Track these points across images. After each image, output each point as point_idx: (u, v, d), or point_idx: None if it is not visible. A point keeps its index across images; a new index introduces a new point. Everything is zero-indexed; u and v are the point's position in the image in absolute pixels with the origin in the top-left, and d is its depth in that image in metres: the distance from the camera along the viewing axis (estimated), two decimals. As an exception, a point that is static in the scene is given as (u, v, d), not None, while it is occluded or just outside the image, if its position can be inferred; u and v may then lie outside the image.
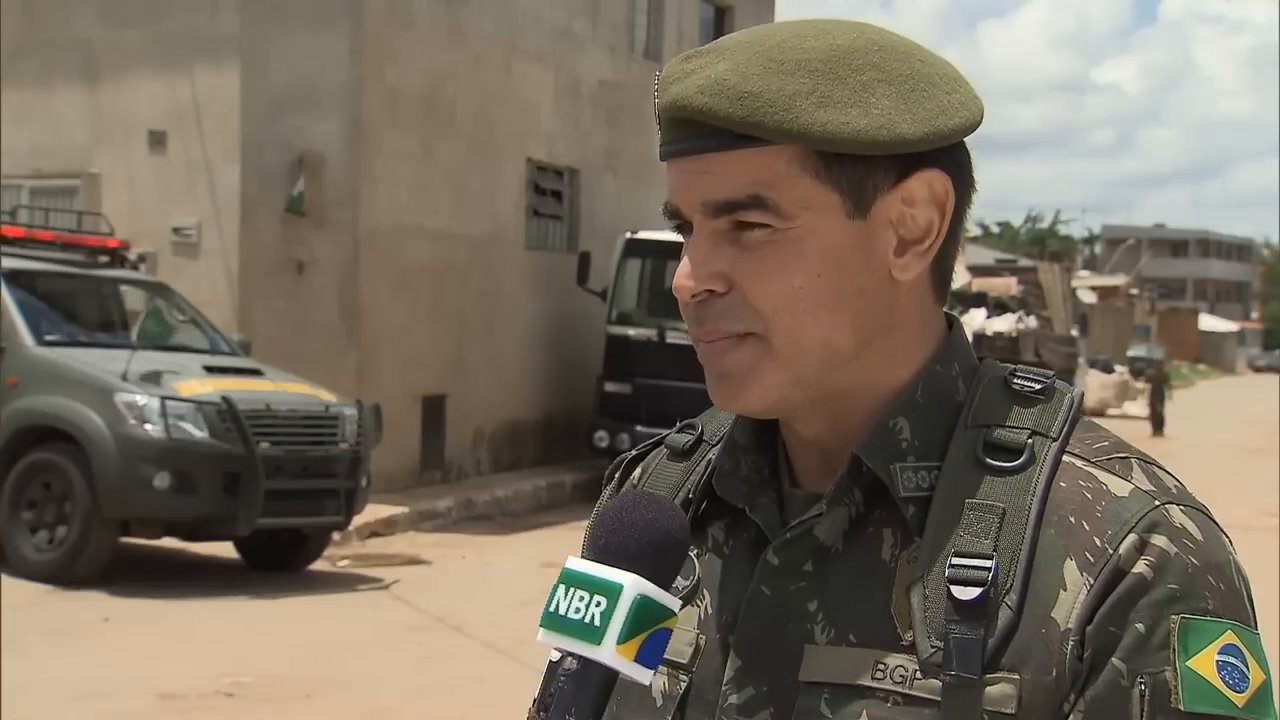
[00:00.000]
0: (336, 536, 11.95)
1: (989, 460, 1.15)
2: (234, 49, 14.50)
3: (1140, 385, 43.21)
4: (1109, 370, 41.48)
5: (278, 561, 11.35)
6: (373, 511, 12.54)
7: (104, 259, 12.30)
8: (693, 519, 1.26)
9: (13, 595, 9.66)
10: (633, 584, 1.07)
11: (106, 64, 15.05)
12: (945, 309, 1.25)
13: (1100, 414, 36.21)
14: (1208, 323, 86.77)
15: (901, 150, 1.14)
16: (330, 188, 14.41)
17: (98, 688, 7.60)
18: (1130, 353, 54.67)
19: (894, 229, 1.17)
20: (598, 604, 1.07)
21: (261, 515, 10.45)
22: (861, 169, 1.14)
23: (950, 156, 1.18)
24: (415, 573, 11.57)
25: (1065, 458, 1.15)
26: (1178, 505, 1.13)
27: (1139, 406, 37.89)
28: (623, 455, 1.39)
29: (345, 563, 11.95)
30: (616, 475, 1.37)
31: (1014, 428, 1.16)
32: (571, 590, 1.09)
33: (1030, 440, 1.15)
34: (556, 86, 17.77)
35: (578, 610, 1.08)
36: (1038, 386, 1.19)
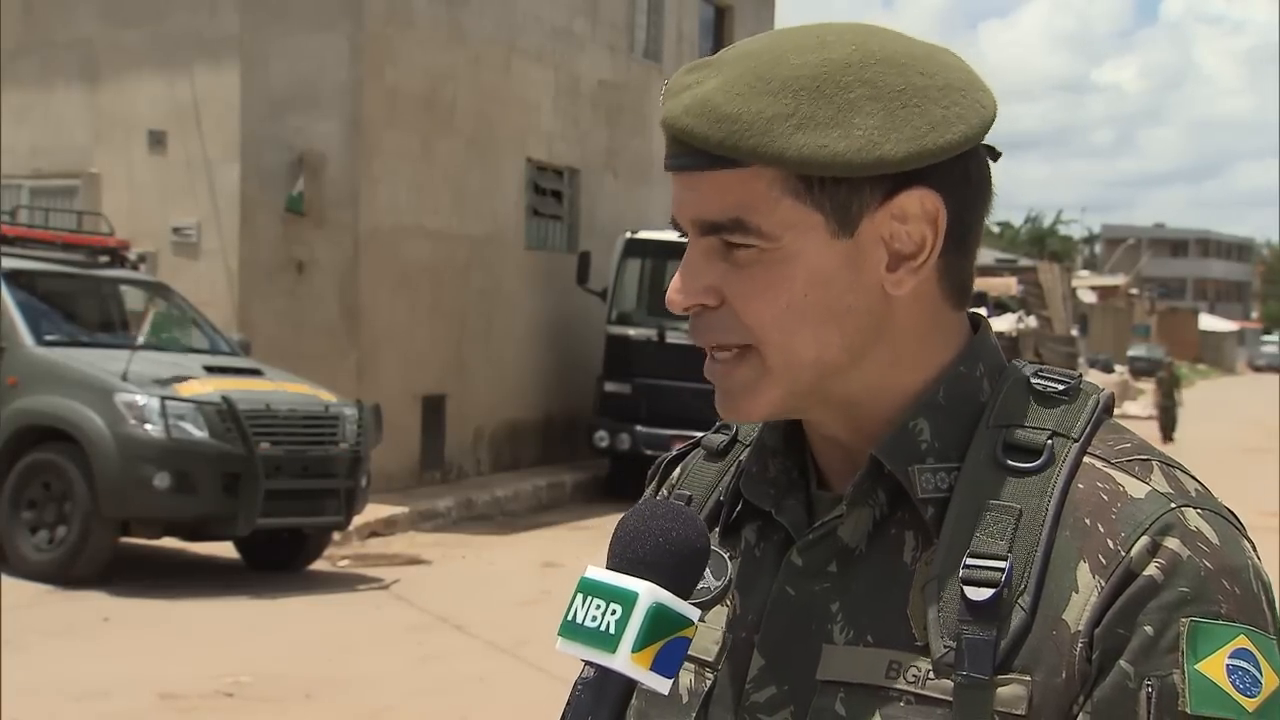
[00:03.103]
0: (336, 536, 11.94)
1: (1008, 461, 1.15)
2: (234, 49, 14.50)
3: (1141, 385, 43.18)
4: (1109, 370, 41.50)
5: (278, 561, 11.34)
6: (373, 511, 12.54)
7: (104, 259, 12.29)
8: (726, 521, 1.27)
9: (13, 595, 9.65)
10: (648, 592, 1.08)
11: (106, 64, 15.05)
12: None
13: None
14: (1207, 322, 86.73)
15: (884, 171, 1.13)
16: (330, 187, 14.41)
17: (98, 688, 7.60)
18: (1130, 352, 54.69)
19: (885, 245, 1.16)
20: (613, 612, 1.08)
21: (261, 515, 10.44)
22: (845, 190, 1.14)
23: (948, 171, 1.16)
24: (415, 572, 11.57)
25: (1085, 459, 1.15)
26: (1195, 508, 1.12)
27: (1139, 406, 37.89)
28: (664, 456, 1.40)
29: (345, 562, 11.95)
30: (657, 476, 1.39)
31: (1034, 428, 1.16)
32: (589, 599, 1.09)
33: (1050, 441, 1.15)
34: (556, 86, 17.77)
35: (594, 619, 1.08)
36: (1061, 387, 1.18)
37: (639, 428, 15.73)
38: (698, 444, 1.36)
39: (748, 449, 1.29)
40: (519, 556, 12.39)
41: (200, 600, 10.17)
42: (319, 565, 11.65)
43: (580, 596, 1.10)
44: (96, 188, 15.07)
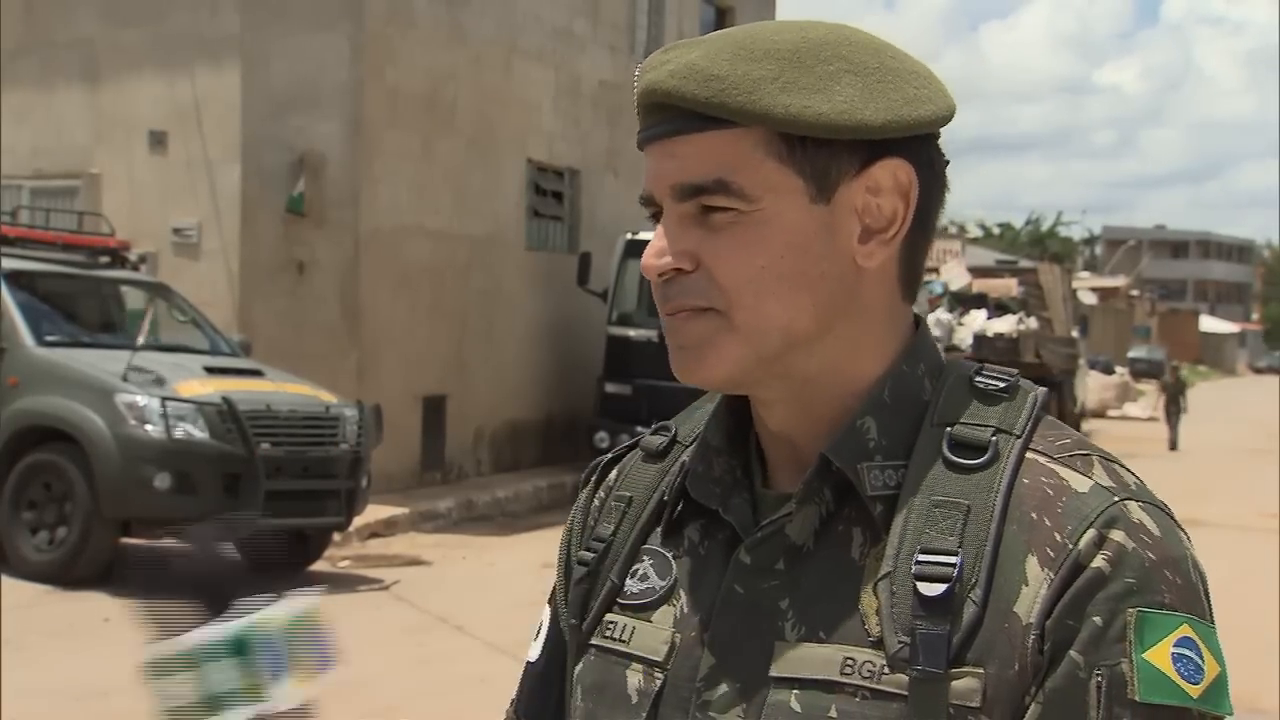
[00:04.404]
0: (337, 537, 11.94)
1: (954, 458, 1.17)
2: (234, 49, 14.50)
3: (1141, 386, 43.18)
4: (1109, 371, 41.48)
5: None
6: (373, 512, 12.54)
7: (104, 259, 12.30)
8: (668, 521, 1.29)
9: (13, 595, 9.65)
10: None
11: (107, 64, 15.05)
12: (917, 309, 1.27)
13: (1101, 415, 36.18)
14: (1208, 324, 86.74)
15: (863, 136, 1.17)
16: (331, 188, 14.41)
17: (98, 688, 7.60)
18: (1130, 354, 54.68)
19: (858, 216, 1.19)
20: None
21: (262, 516, 10.44)
22: (825, 154, 1.17)
23: (917, 149, 1.20)
24: (416, 573, 11.57)
25: (1028, 454, 1.17)
26: (1136, 501, 1.15)
27: (1140, 408, 37.87)
28: (599, 458, 1.41)
29: (346, 563, 11.95)
30: (593, 479, 1.40)
31: (978, 425, 1.18)
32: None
33: (994, 438, 1.17)
34: (557, 86, 17.78)
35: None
36: (1002, 385, 1.21)
37: (639, 429, 15.69)
38: (635, 445, 1.37)
39: (689, 449, 1.30)
40: (519, 557, 12.39)
41: (200, 601, 10.16)
42: (319, 566, 11.64)
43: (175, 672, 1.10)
44: (97, 188, 15.08)
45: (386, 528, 13.20)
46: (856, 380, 1.21)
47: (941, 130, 1.23)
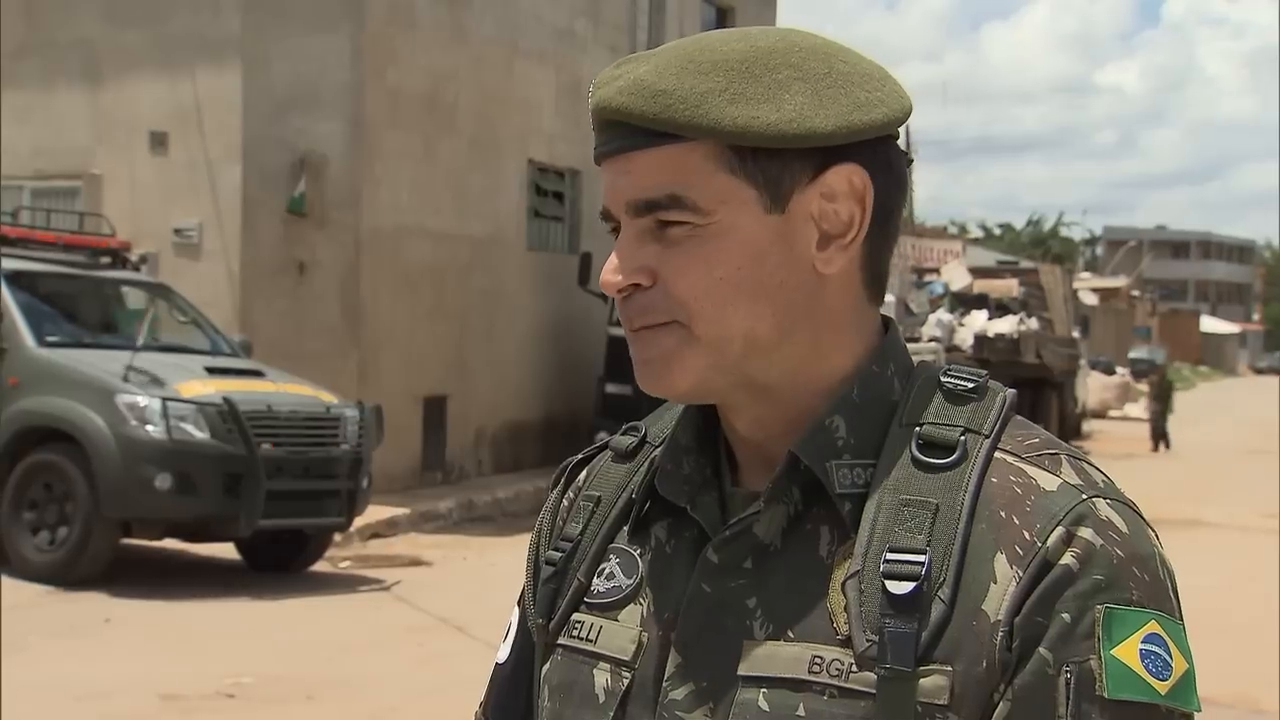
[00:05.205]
0: (338, 537, 11.94)
1: (923, 457, 1.17)
2: (235, 50, 14.51)
3: (1142, 387, 43.19)
4: (1110, 372, 41.49)
5: (279, 562, 11.34)
6: (374, 512, 12.54)
7: (105, 260, 12.30)
8: (635, 519, 1.29)
9: (13, 596, 9.65)
10: None
11: (108, 64, 15.06)
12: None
13: (1101, 415, 36.19)
14: (1209, 324, 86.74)
15: (814, 144, 1.17)
16: (332, 188, 14.42)
17: (98, 688, 7.60)
18: (1131, 354, 54.67)
19: (815, 223, 1.19)
20: None
21: (263, 516, 10.44)
22: (776, 163, 1.17)
23: (873, 152, 1.20)
24: (416, 574, 11.57)
25: (997, 454, 1.17)
26: (1104, 499, 1.15)
27: (1140, 408, 37.88)
28: (569, 459, 1.42)
29: (346, 564, 11.95)
30: (563, 479, 1.41)
31: (947, 425, 1.18)
32: None
33: (963, 437, 1.17)
34: (558, 87, 17.78)
35: None
36: (970, 385, 1.21)
37: (640, 429, 15.71)
38: (604, 446, 1.38)
39: (658, 449, 1.30)
40: (520, 557, 12.26)
41: (201, 601, 10.17)
42: (320, 566, 11.65)
43: None
44: (98, 189, 15.08)
45: (387, 528, 13.20)
46: (822, 382, 1.21)
47: (900, 130, 1.23)
